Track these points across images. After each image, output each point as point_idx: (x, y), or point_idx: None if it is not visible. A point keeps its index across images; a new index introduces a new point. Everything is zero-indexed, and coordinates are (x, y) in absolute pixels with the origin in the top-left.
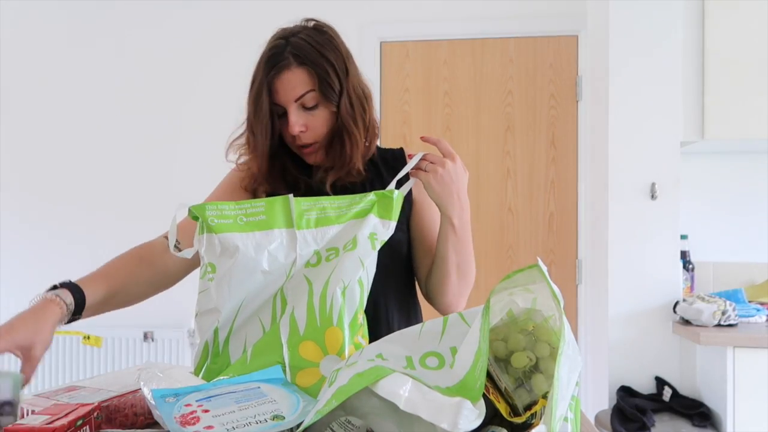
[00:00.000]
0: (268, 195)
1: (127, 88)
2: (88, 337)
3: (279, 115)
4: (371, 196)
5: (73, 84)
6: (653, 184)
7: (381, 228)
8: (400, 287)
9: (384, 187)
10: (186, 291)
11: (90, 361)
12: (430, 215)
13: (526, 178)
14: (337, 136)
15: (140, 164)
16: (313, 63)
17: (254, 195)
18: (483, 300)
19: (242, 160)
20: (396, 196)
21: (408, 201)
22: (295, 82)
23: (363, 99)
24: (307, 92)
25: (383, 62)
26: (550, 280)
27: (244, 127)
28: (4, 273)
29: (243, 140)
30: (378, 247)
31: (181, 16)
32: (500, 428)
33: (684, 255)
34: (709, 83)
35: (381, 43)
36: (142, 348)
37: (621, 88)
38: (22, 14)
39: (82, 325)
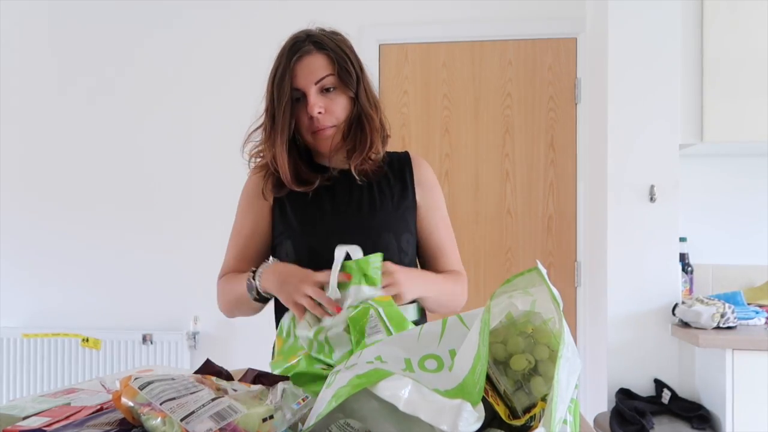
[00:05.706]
0: (286, 194)
1: (134, 90)
2: (87, 340)
3: (297, 99)
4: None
5: (76, 85)
6: (652, 187)
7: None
8: None
9: (390, 188)
10: (184, 294)
11: (89, 364)
12: (432, 220)
13: (525, 180)
14: (356, 122)
15: (146, 167)
16: (332, 50)
17: (274, 194)
18: (483, 303)
19: (254, 163)
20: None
21: (413, 206)
22: (315, 66)
23: (376, 94)
24: (327, 76)
25: (382, 64)
26: (549, 282)
27: (263, 119)
28: (4, 273)
29: (260, 133)
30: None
31: (187, 18)
32: (499, 431)
33: (683, 257)
34: (708, 86)
35: (380, 45)
36: (141, 350)
37: (620, 91)
38: (25, 15)
39: (81, 327)
